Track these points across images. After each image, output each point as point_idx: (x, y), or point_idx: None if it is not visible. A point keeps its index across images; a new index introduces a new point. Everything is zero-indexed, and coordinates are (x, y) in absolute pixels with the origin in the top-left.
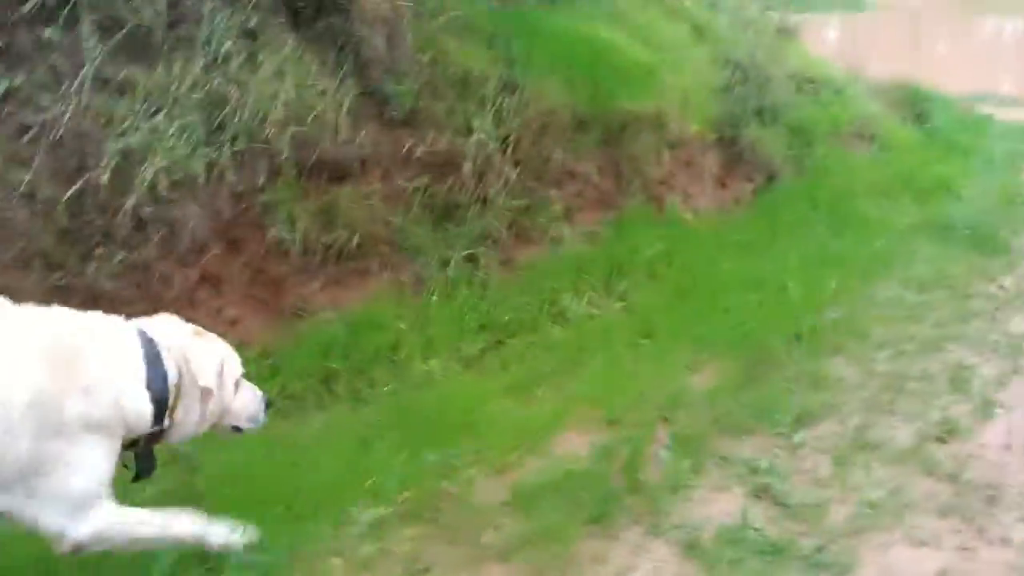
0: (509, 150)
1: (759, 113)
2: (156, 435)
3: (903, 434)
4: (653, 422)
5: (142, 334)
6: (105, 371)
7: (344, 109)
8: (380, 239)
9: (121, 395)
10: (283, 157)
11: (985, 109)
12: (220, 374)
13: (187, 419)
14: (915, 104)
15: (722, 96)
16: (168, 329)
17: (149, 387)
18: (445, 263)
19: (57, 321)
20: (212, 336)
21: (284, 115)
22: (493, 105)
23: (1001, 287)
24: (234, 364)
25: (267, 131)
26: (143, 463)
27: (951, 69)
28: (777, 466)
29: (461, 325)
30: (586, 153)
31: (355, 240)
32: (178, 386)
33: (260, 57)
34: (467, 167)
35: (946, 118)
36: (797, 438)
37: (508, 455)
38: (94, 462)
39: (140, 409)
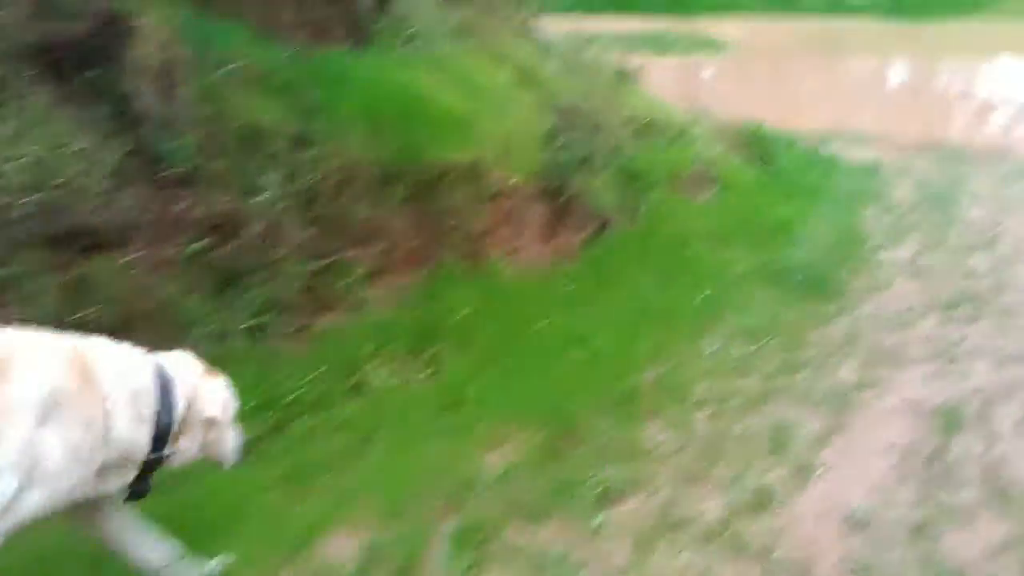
0: (303, 208)
1: (588, 160)
2: (157, 461)
3: (714, 507)
4: (438, 513)
5: (158, 367)
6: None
7: (107, 170)
8: (145, 313)
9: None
10: (26, 227)
11: (835, 148)
12: (225, 409)
13: (188, 448)
14: (761, 145)
15: (548, 144)
16: (182, 365)
17: (158, 416)
18: (224, 336)
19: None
20: (219, 375)
21: (29, 179)
22: (285, 160)
23: (832, 333)
24: (233, 403)
25: (4, 199)
26: (138, 485)
27: (805, 108)
28: (571, 555)
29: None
30: (394, 208)
31: (114, 315)
32: (184, 418)
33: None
34: (252, 228)
35: (793, 158)
36: (597, 520)
37: (264, 563)
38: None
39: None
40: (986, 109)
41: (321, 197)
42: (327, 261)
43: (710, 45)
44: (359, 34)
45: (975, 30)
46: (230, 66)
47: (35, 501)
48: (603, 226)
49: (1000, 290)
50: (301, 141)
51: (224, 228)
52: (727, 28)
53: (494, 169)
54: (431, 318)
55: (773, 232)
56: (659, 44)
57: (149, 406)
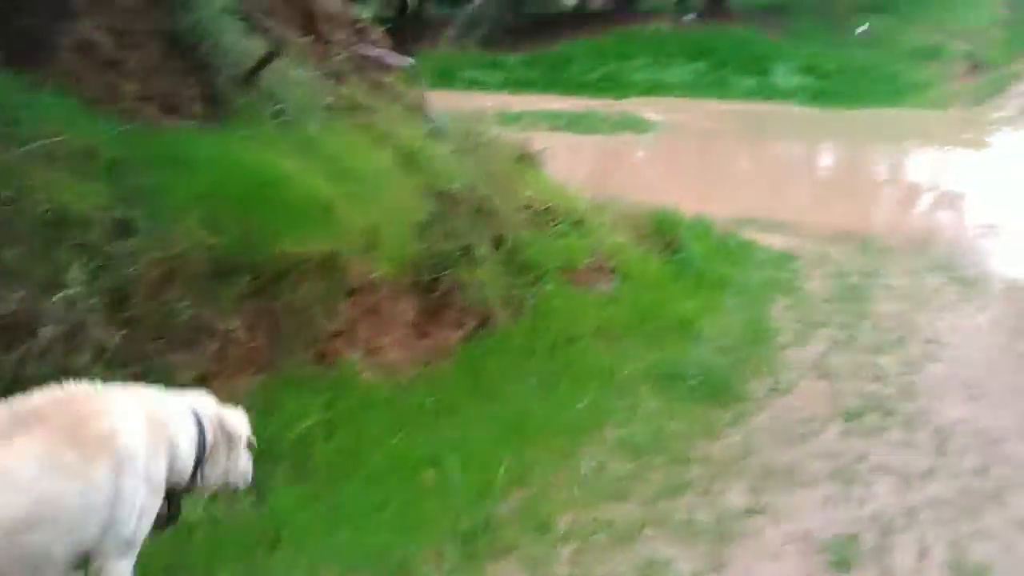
0: (115, 306)
1: (471, 250)
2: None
3: None
4: None
5: (191, 406)
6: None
7: None
8: None
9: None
10: None
11: (751, 235)
12: (241, 433)
13: (213, 473)
14: (671, 232)
15: (425, 232)
16: (204, 402)
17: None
18: None
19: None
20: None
21: None
22: (97, 251)
23: (723, 448)
24: (247, 429)
25: None
26: (173, 511)
27: (726, 193)
28: None
29: None
30: (230, 305)
31: None
32: (213, 446)
33: None
34: (48, 331)
35: (704, 247)
36: None
37: None
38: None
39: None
40: (906, 198)
41: (139, 293)
42: (143, 367)
43: (638, 125)
44: (218, 110)
45: (897, 118)
46: (41, 142)
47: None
48: (483, 323)
49: (908, 396)
50: (121, 229)
51: (13, 330)
52: (658, 109)
53: (356, 260)
54: (265, 433)
55: (672, 328)
56: (586, 123)
57: (192, 439)
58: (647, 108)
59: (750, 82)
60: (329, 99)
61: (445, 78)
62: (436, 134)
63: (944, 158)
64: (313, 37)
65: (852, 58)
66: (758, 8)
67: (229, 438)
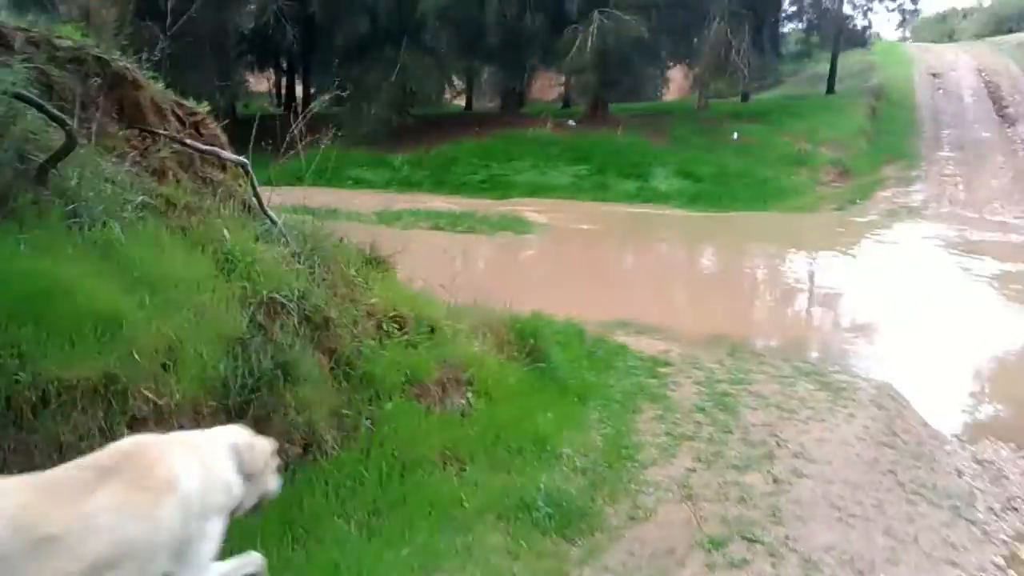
0: None
1: (293, 366)
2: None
3: None
4: None
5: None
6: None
7: None
8: None
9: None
10: None
11: (623, 338)
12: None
13: (252, 491)
14: (536, 339)
15: (243, 346)
16: (240, 434)
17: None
18: None
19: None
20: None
21: None
22: None
23: None
24: (275, 454)
25: None
26: None
27: (601, 296)
28: None
29: None
30: None
31: None
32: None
33: None
34: None
35: (572, 353)
36: None
37: None
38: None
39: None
40: (778, 301)
41: None
42: None
43: (518, 226)
44: None
45: (769, 221)
46: None
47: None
48: (307, 450)
49: (774, 520)
50: None
51: None
52: (539, 210)
53: (144, 383)
54: None
55: (527, 448)
56: (466, 223)
57: (236, 468)
58: (529, 209)
59: (630, 185)
60: (142, 197)
61: (329, 176)
62: (270, 236)
63: (815, 261)
64: (138, 129)
65: (727, 163)
66: (637, 114)
67: (264, 462)
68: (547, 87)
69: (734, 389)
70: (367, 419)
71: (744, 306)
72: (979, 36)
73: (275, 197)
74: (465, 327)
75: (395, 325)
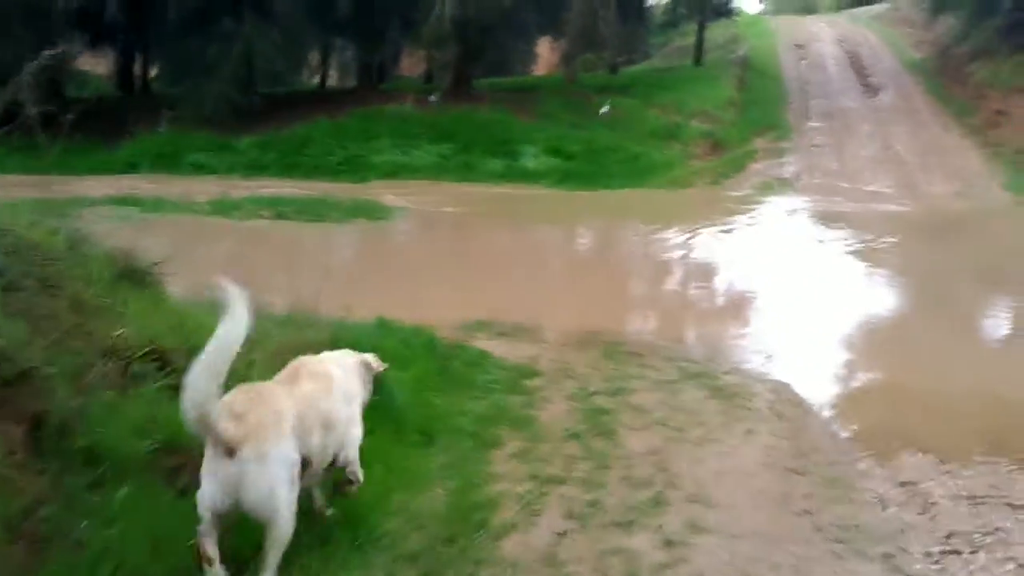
0: None
1: None
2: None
3: None
4: None
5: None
6: None
7: None
8: None
9: None
10: None
11: (484, 343)
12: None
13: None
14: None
15: None
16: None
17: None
18: None
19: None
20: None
21: None
22: None
23: None
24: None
25: None
26: None
27: (460, 291)
28: None
29: None
30: None
31: None
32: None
33: None
34: None
35: (420, 369)
36: None
37: None
38: None
39: None
40: (655, 288)
41: None
42: None
43: (374, 212)
44: None
45: (642, 199)
46: None
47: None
48: None
49: None
50: None
51: None
52: (400, 193)
53: None
54: None
55: (334, 535)
56: (315, 211)
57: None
58: (388, 192)
59: (497, 164)
60: None
61: (167, 162)
62: None
63: (691, 241)
64: None
65: (597, 139)
66: (503, 89)
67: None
68: (417, 63)
69: (612, 403)
70: (83, 522)
71: (619, 296)
72: (837, 9)
73: (100, 187)
74: (267, 353)
75: (154, 364)
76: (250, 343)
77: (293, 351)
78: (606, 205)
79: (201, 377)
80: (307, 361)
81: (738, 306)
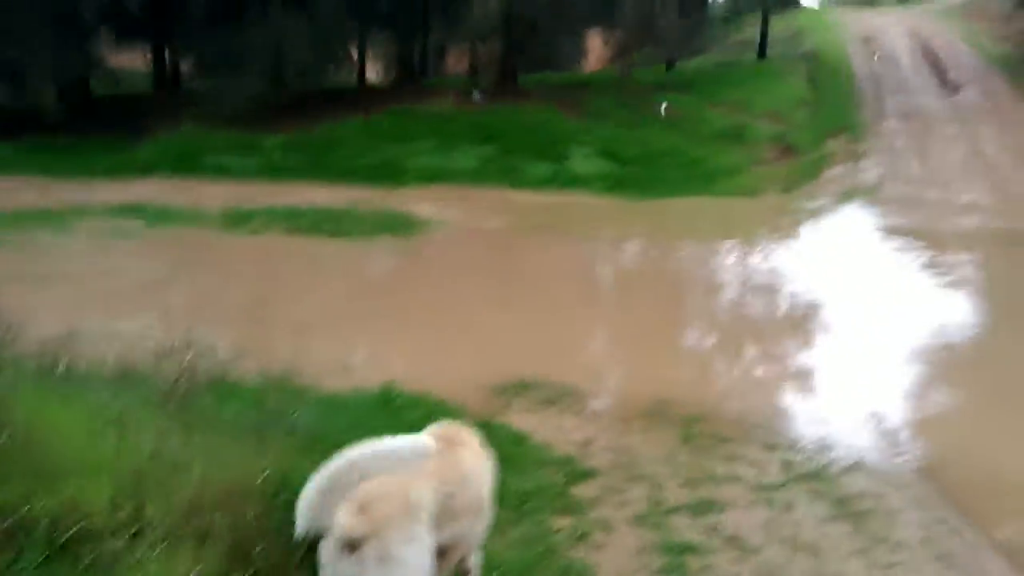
0: None
1: None
2: None
3: None
4: None
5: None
6: None
7: None
8: None
9: None
10: None
11: (520, 419)
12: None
13: None
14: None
15: None
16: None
17: None
18: None
19: None
20: None
21: None
22: None
23: None
24: None
25: None
26: None
27: (492, 337)
28: None
29: None
30: None
31: None
32: None
33: None
34: None
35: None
36: None
37: None
38: None
39: None
40: (738, 333)
41: None
42: None
43: (403, 226)
44: None
45: (706, 209)
46: None
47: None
48: None
49: None
50: None
51: None
52: (435, 201)
53: None
54: None
55: None
56: (336, 224)
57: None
58: (423, 201)
59: (543, 168)
60: None
61: (187, 164)
62: None
63: (772, 266)
64: None
65: (653, 141)
66: (551, 85)
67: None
68: (461, 59)
69: (699, 531)
70: None
71: (693, 345)
72: (902, 2)
73: (110, 193)
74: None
75: None
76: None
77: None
78: (667, 217)
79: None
80: (462, 429)
81: (844, 357)
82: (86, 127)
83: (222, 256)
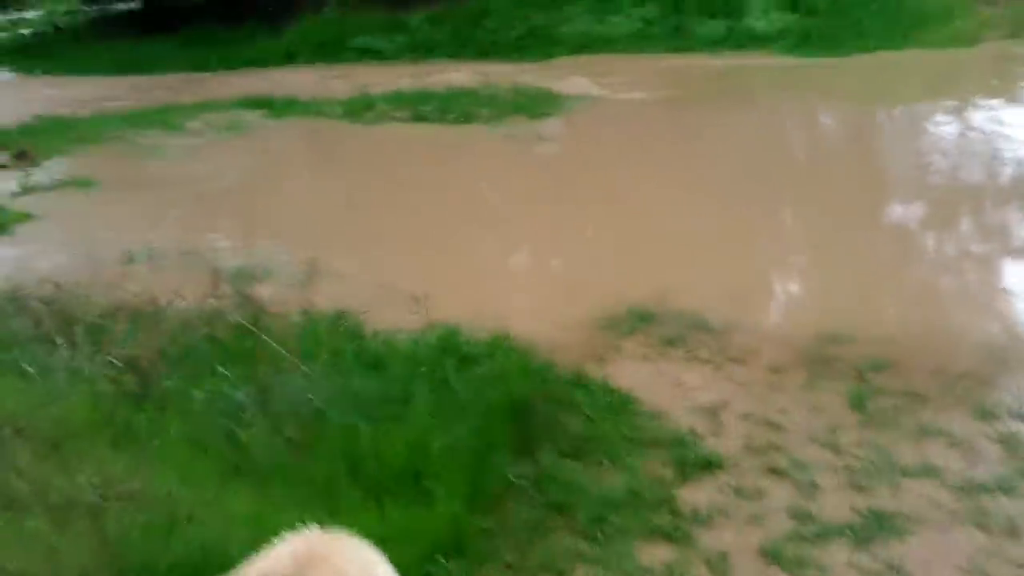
0: None
1: None
2: None
3: None
4: None
5: None
6: None
7: None
8: None
9: None
10: None
11: (628, 368)
12: None
13: None
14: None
15: None
16: None
17: None
18: None
19: None
20: None
21: None
22: None
23: None
24: None
25: None
26: None
27: (617, 249)
28: None
29: None
30: None
31: None
32: None
33: None
34: None
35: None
36: None
37: None
38: None
39: None
40: (940, 245)
41: None
42: None
43: (542, 105)
44: None
45: (914, 66)
46: None
47: None
48: None
49: None
50: None
51: None
52: (588, 74)
53: None
54: None
55: None
56: (464, 107)
57: None
58: (574, 74)
59: (716, 26)
60: None
61: (330, 49)
62: None
63: (1003, 146)
64: None
65: None
66: None
67: None
68: None
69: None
70: None
71: (886, 256)
72: None
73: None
74: None
75: None
76: None
77: None
78: (861, 81)
79: None
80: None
81: None
82: (239, 17)
83: (327, 148)
